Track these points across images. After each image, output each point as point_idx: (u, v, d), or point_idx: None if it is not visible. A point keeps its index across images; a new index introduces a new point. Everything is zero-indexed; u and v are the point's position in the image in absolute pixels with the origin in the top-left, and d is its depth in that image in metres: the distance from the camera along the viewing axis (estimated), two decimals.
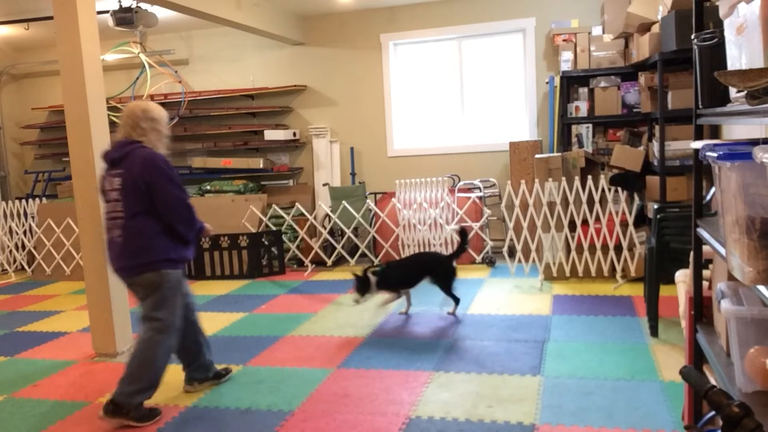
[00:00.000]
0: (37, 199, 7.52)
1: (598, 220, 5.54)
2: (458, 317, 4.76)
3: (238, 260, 6.64)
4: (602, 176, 5.62)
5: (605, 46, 6.03)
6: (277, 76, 7.56)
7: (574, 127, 6.26)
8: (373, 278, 4.66)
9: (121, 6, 5.83)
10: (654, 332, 4.08)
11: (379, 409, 3.25)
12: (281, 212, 6.82)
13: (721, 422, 1.32)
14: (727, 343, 2.11)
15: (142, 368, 3.25)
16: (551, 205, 5.64)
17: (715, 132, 4.82)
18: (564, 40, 6.26)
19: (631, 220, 5.47)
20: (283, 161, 7.68)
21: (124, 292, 4.37)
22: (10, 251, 7.66)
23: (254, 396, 3.52)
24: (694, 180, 2.42)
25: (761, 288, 1.54)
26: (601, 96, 6.08)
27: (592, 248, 5.59)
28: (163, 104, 7.26)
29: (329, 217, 6.91)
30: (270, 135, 7.21)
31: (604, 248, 5.57)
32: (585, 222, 5.59)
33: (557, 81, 6.40)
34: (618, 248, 5.54)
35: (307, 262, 6.80)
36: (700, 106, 2.27)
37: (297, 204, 7.17)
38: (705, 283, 2.53)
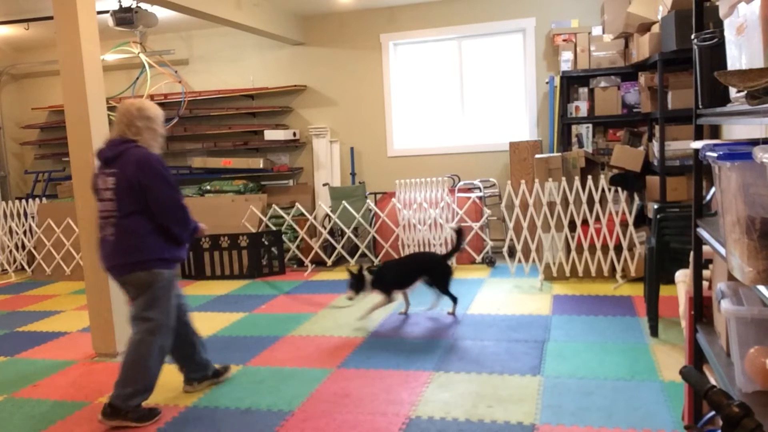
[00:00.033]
0: (37, 199, 7.52)
1: (598, 220, 5.54)
2: (458, 317, 4.76)
3: (238, 260, 6.64)
4: (602, 176, 5.62)
5: (605, 46, 6.03)
6: (277, 76, 7.56)
7: (574, 127, 6.26)
8: (368, 277, 4.67)
9: (121, 6, 5.83)
10: (654, 332, 4.08)
11: (379, 409, 3.25)
12: (281, 212, 6.82)
13: (721, 422, 1.32)
14: (727, 343, 2.11)
15: (136, 370, 3.22)
16: (551, 205, 5.64)
17: (715, 132, 4.82)
18: (564, 40, 6.26)
19: (631, 220, 5.47)
20: (283, 161, 7.68)
21: None
22: (10, 251, 7.66)
23: (254, 396, 3.52)
24: (694, 180, 2.42)
25: (761, 288, 1.54)
26: (601, 96, 6.08)
27: (592, 248, 5.59)
28: (163, 104, 7.32)
29: (329, 217, 6.91)
30: (270, 135, 7.21)
31: (604, 248, 5.57)
32: (585, 222, 5.59)
33: (557, 81, 6.40)
34: (618, 248, 5.54)
35: (307, 262, 6.80)
36: (700, 106, 2.27)
37: (297, 204, 7.17)
38: (705, 283, 2.53)
